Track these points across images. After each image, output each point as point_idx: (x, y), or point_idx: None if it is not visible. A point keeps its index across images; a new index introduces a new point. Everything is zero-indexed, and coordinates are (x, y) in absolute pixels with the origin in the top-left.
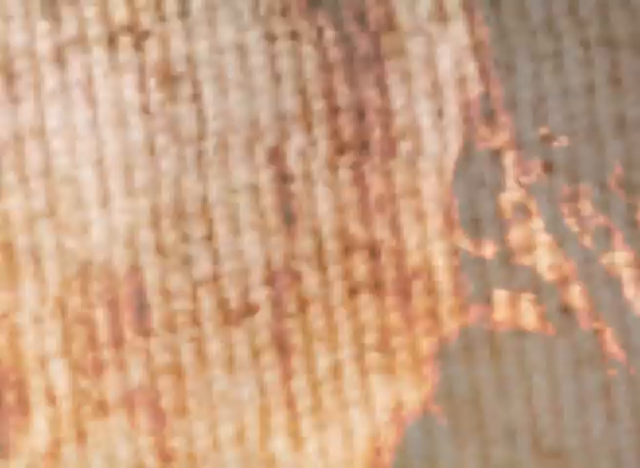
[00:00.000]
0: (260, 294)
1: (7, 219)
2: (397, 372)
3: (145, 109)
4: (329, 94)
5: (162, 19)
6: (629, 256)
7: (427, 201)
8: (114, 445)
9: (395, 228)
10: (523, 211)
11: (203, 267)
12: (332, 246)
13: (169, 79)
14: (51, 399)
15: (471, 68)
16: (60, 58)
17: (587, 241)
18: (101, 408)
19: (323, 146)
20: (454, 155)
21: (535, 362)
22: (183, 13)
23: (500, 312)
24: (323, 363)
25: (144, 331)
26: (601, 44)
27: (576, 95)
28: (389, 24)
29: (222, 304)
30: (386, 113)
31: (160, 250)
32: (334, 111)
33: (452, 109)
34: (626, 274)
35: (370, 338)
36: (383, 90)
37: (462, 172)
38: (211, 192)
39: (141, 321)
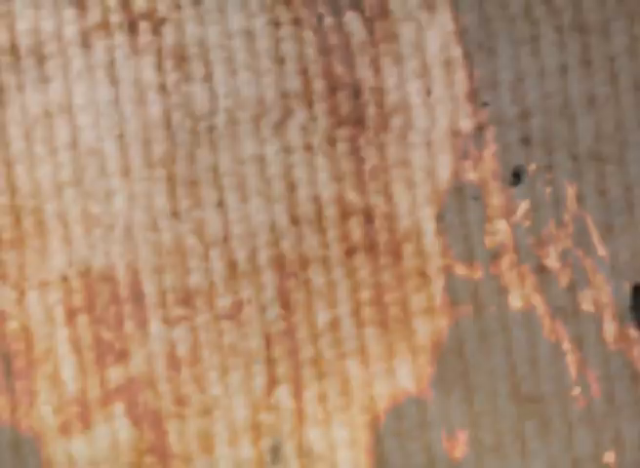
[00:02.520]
0: (265, 255)
1: (37, 187)
2: (390, 326)
3: (162, 88)
4: (328, 74)
5: (177, 6)
6: (598, 221)
7: (417, 171)
8: None
9: (388, 195)
10: (504, 179)
11: (214, 230)
12: (330, 211)
13: (183, 61)
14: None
15: (456, 52)
16: (85, 43)
17: (561, 207)
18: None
19: (322, 121)
20: (441, 130)
21: (514, 316)
22: (196, 1)
23: (483, 270)
24: (323, 317)
25: (162, 292)
26: (574, 29)
27: (550, 75)
28: (383, 12)
29: (232, 264)
30: (380, 92)
31: (175, 215)
32: (332, 90)
33: (439, 88)
34: (596, 237)
35: (365, 295)
36: (377, 71)
37: (449, 145)
38: (221, 163)
39: (158, 277)
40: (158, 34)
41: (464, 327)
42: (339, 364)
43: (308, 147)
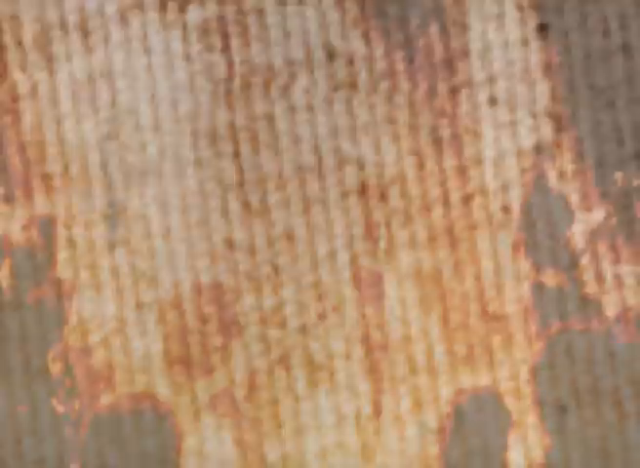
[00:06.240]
0: (274, 197)
1: (82, 140)
2: (378, 256)
3: (187, 57)
4: (327, 45)
5: None
6: (556, 170)
7: (402, 127)
8: None
9: (377, 147)
10: (474, 133)
11: (231, 177)
12: (329, 160)
13: (205, 34)
14: None
15: (434, 26)
16: (123, 18)
17: (522, 156)
18: None
19: (322, 85)
20: (422, 92)
21: (482, 248)
22: None
23: (457, 211)
24: (322, 249)
25: (187, 227)
26: (532, 8)
27: (514, 46)
28: None
29: (246, 205)
30: (370, 60)
31: (198, 163)
32: (330, 58)
33: (420, 56)
34: (552, 182)
35: (357, 231)
36: (368, 42)
37: (428, 105)
38: (237, 120)
39: (184, 215)
40: (184, 12)
41: (441, 258)
42: (335, 288)
43: (310, 107)
